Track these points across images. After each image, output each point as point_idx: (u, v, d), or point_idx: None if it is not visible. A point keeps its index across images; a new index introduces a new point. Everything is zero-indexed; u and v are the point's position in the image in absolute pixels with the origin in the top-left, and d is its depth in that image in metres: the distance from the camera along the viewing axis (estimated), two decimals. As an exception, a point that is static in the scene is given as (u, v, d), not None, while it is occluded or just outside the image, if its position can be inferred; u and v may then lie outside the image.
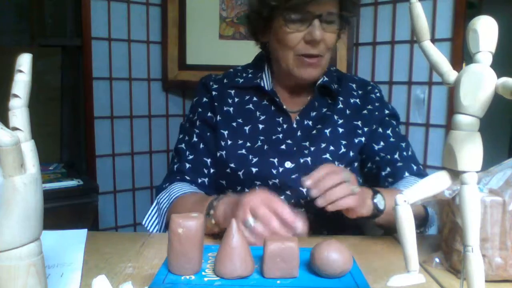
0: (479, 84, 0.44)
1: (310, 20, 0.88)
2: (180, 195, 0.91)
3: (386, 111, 1.04)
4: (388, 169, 0.99)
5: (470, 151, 0.46)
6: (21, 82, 0.45)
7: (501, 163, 0.71)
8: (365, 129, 1.00)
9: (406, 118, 1.85)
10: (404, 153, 1.00)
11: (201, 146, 1.00)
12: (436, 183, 0.49)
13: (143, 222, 0.94)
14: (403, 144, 1.02)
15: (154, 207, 0.96)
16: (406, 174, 0.97)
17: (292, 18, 0.89)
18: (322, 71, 0.96)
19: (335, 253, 0.60)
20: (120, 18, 1.92)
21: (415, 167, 0.99)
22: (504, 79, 0.43)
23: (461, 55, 1.68)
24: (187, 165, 0.99)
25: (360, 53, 1.96)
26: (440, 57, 0.49)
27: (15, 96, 0.45)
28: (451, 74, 0.48)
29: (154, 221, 0.94)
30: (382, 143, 1.00)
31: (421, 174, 0.99)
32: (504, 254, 0.63)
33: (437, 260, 0.70)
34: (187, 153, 1.00)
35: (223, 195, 0.81)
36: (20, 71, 0.45)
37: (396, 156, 0.99)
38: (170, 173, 1.01)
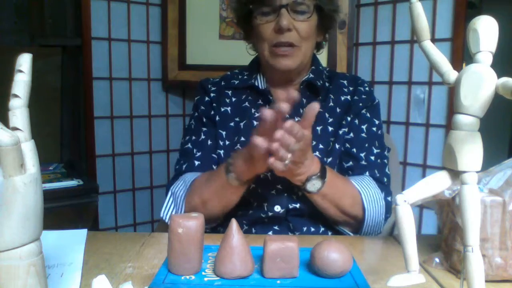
0: (479, 84, 0.45)
1: (278, 10, 0.92)
2: (196, 178, 0.94)
3: (369, 105, 1.03)
4: (351, 162, 0.98)
5: (470, 151, 0.46)
6: (21, 82, 0.45)
7: (501, 163, 0.71)
8: (348, 118, 1.00)
9: (406, 118, 1.85)
10: (372, 157, 0.99)
11: (209, 142, 1.02)
12: (436, 183, 0.49)
13: (161, 215, 0.95)
14: (375, 149, 1.00)
15: (169, 198, 0.97)
16: (367, 174, 0.97)
17: (262, 11, 0.94)
18: (300, 62, 0.96)
19: (335, 253, 0.60)
20: (120, 18, 1.92)
21: (378, 174, 0.98)
22: (505, 79, 0.43)
23: (461, 55, 1.68)
24: (196, 163, 1.00)
25: (360, 53, 1.96)
26: (440, 57, 0.49)
27: (15, 96, 0.45)
28: (451, 74, 0.48)
29: (172, 212, 0.95)
30: (351, 134, 1.00)
31: (381, 182, 0.97)
32: (504, 254, 0.63)
33: (437, 260, 0.70)
34: (195, 151, 1.02)
35: (234, 153, 0.86)
36: (20, 71, 0.45)
37: (362, 155, 0.98)
38: (178, 173, 1.02)
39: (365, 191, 0.90)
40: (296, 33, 0.93)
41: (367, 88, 1.04)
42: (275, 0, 0.92)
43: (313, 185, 0.85)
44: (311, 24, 0.95)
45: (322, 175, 0.84)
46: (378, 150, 1.00)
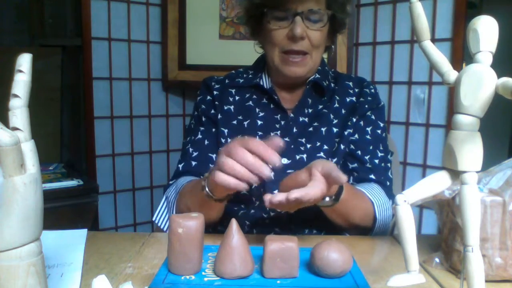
0: (479, 84, 0.44)
1: (292, 17, 0.91)
2: (185, 183, 0.93)
3: (375, 107, 1.03)
4: (355, 164, 0.98)
5: (470, 151, 0.46)
6: (21, 82, 0.45)
7: (501, 163, 0.71)
8: (354, 119, 1.00)
9: (406, 118, 1.85)
10: (376, 160, 0.99)
11: (206, 142, 1.01)
12: (436, 183, 0.49)
13: (154, 219, 0.95)
14: (379, 152, 1.00)
15: (163, 203, 0.97)
16: (372, 176, 0.96)
17: (276, 16, 0.93)
18: (309, 70, 0.96)
19: (335, 253, 0.60)
20: (120, 18, 1.92)
21: (381, 178, 0.98)
22: (505, 79, 0.43)
23: (461, 55, 1.68)
24: (193, 163, 1.00)
25: (360, 53, 1.97)
26: (440, 57, 0.49)
27: (15, 96, 0.45)
28: (451, 74, 0.48)
29: (165, 217, 0.95)
30: (356, 136, 1.00)
31: (384, 186, 0.96)
32: (504, 254, 0.63)
33: (437, 260, 0.70)
34: (191, 150, 1.02)
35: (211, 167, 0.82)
36: (20, 71, 0.45)
37: (367, 157, 0.98)
38: (176, 174, 1.02)
39: (377, 201, 0.90)
40: (308, 41, 0.92)
41: (372, 90, 1.04)
42: (291, 7, 0.91)
43: (326, 202, 0.80)
44: (324, 32, 0.95)
45: (336, 198, 0.80)
46: (382, 154, 1.00)
